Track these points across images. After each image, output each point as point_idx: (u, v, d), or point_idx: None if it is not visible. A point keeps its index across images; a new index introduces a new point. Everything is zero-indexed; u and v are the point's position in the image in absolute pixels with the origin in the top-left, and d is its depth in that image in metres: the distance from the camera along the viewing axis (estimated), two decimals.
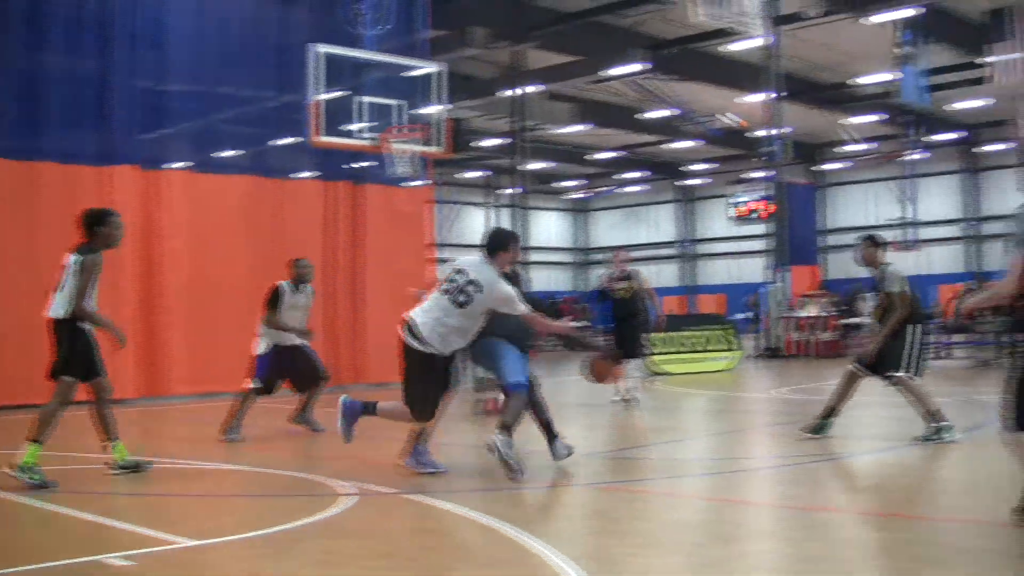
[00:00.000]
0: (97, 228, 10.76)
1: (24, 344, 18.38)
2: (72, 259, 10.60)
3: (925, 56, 34.58)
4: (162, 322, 20.72)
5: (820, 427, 12.78)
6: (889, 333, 12.46)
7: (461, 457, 12.86)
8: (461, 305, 10.14)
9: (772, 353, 32.51)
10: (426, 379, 10.41)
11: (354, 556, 7.23)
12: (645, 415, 16.86)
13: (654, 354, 25.32)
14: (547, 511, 8.84)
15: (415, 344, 10.27)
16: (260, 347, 14.55)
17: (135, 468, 10.88)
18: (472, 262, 10.43)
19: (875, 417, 15.68)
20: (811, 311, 34.67)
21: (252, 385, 14.50)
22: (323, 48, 19.62)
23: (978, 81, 37.99)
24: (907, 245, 47.41)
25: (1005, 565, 6.86)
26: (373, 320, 23.26)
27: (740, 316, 48.07)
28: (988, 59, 32.77)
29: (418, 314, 10.38)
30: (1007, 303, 7.79)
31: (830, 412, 12.84)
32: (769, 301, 33.72)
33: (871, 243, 13.12)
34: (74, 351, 10.54)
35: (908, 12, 31.73)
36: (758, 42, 32.03)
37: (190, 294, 20.92)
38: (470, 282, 10.17)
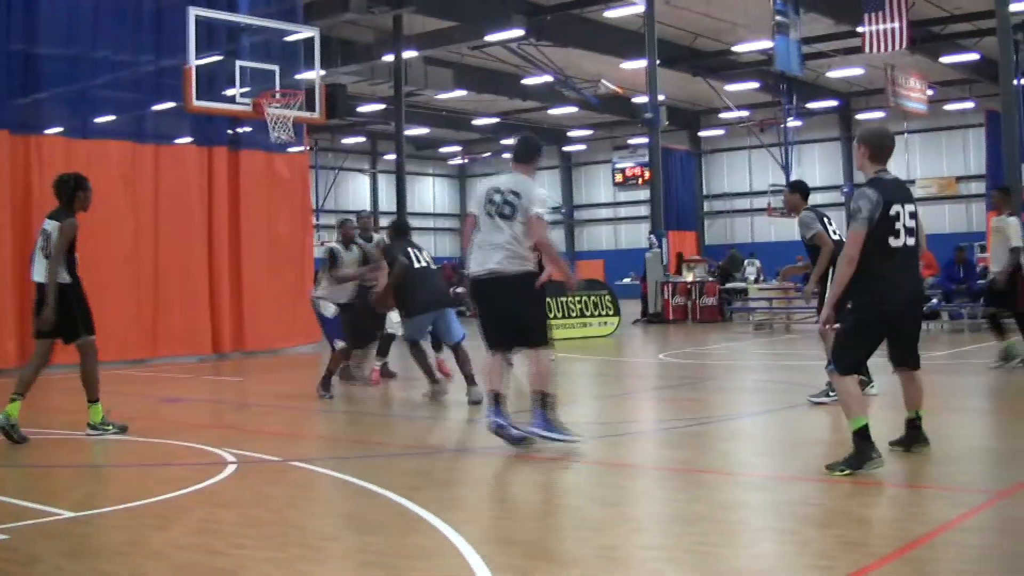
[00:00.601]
0: (76, 193, 11.42)
1: None
2: (51, 224, 11.20)
3: (802, 25, 34.98)
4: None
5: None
6: (818, 279, 12.57)
7: (343, 424, 12.85)
8: (506, 217, 9.86)
9: (652, 319, 32.83)
10: (538, 300, 10.29)
11: (237, 524, 7.20)
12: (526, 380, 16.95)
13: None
14: (430, 477, 8.84)
15: (508, 268, 9.83)
16: (329, 310, 15.07)
17: (120, 430, 11.32)
18: (503, 177, 10.23)
19: (764, 379, 15.94)
20: (690, 276, 35.08)
21: (340, 346, 14.94)
22: (198, 11, 19.35)
23: (855, 50, 38.52)
24: (785, 211, 47.96)
25: (886, 527, 7.02)
26: (251, 287, 23.14)
27: (621, 282, 48.54)
28: (861, 28, 33.25)
29: (486, 251, 9.96)
30: (851, 269, 8.40)
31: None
32: (647, 267, 33.99)
33: (790, 190, 13.26)
34: (82, 309, 11.26)
35: None
36: (637, 9, 32.20)
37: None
38: (512, 192, 9.92)
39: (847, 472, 8.09)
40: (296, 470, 9.21)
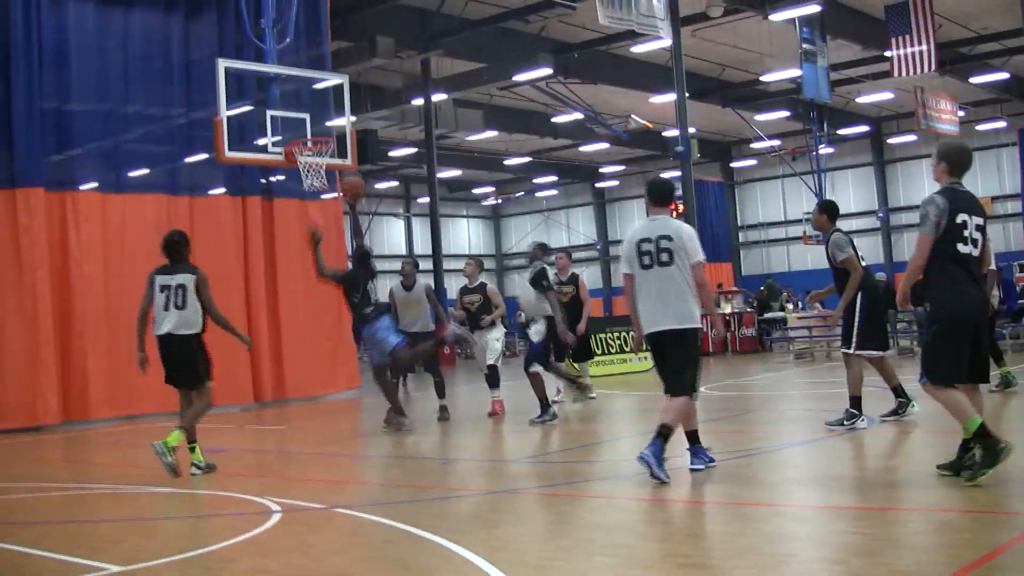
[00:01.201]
0: (188, 247, 12.56)
1: None
2: (182, 278, 12.16)
3: (829, 52, 34.96)
4: (78, 347, 20.51)
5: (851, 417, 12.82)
6: (846, 304, 12.57)
7: (386, 469, 12.83)
8: (666, 264, 9.75)
9: None
10: (696, 355, 10.22)
11: (284, 574, 7.18)
12: (571, 418, 16.91)
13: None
14: (475, 519, 8.81)
15: (683, 324, 9.85)
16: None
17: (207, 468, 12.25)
18: (646, 225, 10.06)
19: (806, 408, 15.84)
20: (728, 308, 34.95)
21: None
22: (227, 63, 19.46)
23: (884, 75, 38.45)
24: (820, 239, 47.78)
25: (935, 554, 6.94)
26: (290, 334, 23.21)
27: None
28: (889, 52, 33.20)
29: (656, 305, 9.90)
30: (918, 276, 8.86)
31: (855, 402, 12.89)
32: None
33: (819, 210, 13.26)
34: (205, 359, 12.20)
35: (809, 9, 32.04)
36: (664, 43, 32.21)
37: (107, 316, 20.71)
38: (663, 238, 9.80)
39: (987, 473, 8.22)
40: (341, 517, 9.19)
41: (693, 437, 10.22)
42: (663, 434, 9.58)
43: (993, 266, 15.51)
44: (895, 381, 13.13)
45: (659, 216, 10.08)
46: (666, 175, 56.86)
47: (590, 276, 68.62)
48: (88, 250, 20.77)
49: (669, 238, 9.75)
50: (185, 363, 12.12)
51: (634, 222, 65.53)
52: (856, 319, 12.60)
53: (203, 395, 12.25)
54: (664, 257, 9.73)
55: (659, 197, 10.28)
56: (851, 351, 12.73)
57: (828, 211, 13.15)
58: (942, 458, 8.96)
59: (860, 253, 12.83)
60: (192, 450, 12.31)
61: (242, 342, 12.68)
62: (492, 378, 16.91)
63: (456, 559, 7.19)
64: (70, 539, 8.87)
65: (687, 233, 9.82)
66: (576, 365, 19.22)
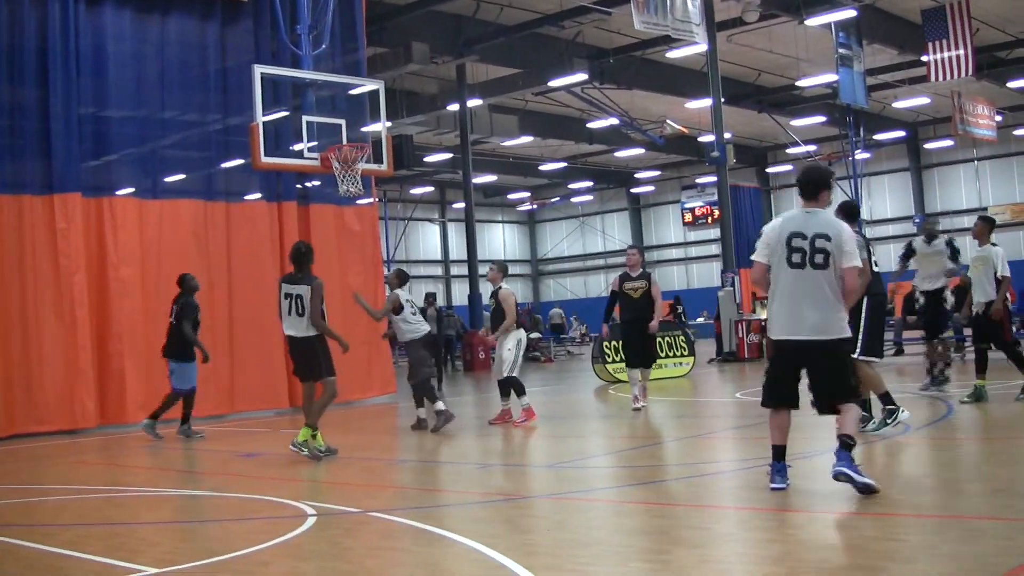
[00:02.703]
0: (312, 257, 14.10)
1: None
2: (302, 289, 13.63)
3: (866, 56, 34.85)
4: (115, 351, 20.60)
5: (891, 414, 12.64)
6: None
7: (419, 474, 12.85)
8: (820, 266, 8.88)
9: (727, 358, 32.59)
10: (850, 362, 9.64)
11: (318, 574, 7.20)
12: (605, 423, 16.89)
13: (609, 362, 25.36)
14: (509, 524, 8.81)
15: (831, 336, 9.00)
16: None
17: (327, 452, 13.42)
18: (802, 218, 9.12)
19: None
20: (763, 313, 34.81)
21: None
22: (263, 69, 19.55)
23: (920, 80, 38.31)
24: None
25: (974, 561, 6.90)
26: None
27: (695, 321, 48.26)
28: (926, 57, 33.06)
29: (797, 309, 9.02)
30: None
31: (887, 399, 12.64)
32: (721, 305, 33.79)
33: (837, 209, 13.07)
34: (326, 356, 13.58)
35: (845, 14, 31.96)
36: (700, 48, 32.18)
37: (144, 320, 20.80)
38: (821, 236, 8.91)
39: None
40: (375, 521, 9.19)
41: (845, 443, 9.07)
42: (847, 445, 8.95)
43: (1007, 272, 15.35)
44: (883, 388, 12.79)
45: (815, 210, 9.13)
46: (702, 180, 57.03)
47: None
48: (125, 255, 20.85)
49: (827, 237, 8.88)
50: (308, 360, 13.51)
51: (669, 228, 65.62)
52: (861, 324, 12.33)
53: (327, 388, 13.55)
54: (819, 259, 8.86)
55: (812, 188, 9.24)
56: (856, 356, 12.38)
57: (846, 211, 12.86)
58: (978, 465, 8.90)
59: (875, 257, 12.66)
60: (314, 437, 13.38)
61: (340, 346, 13.89)
62: (506, 387, 16.63)
63: (490, 563, 7.19)
64: (107, 542, 8.91)
65: (847, 234, 8.94)
66: (635, 370, 18.23)
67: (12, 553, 8.59)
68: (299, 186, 23.84)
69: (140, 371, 20.65)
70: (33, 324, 19.81)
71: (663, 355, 26.23)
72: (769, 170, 60.85)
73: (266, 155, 19.56)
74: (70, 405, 19.78)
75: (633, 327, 17.58)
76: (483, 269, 42.01)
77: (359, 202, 23.92)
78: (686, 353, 27.25)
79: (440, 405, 16.00)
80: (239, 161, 22.55)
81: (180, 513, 10.49)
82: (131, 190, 21.44)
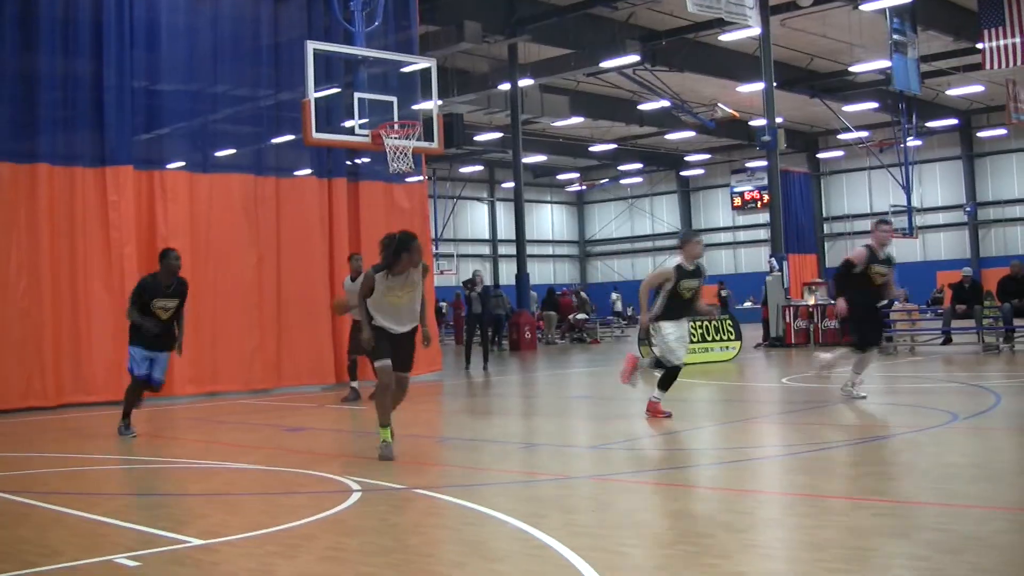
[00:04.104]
0: (400, 255, 11.54)
1: (21, 346, 18.71)
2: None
3: (919, 43, 34.56)
4: None
5: None
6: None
7: (466, 452, 12.84)
8: None
9: (774, 343, 32.46)
10: None
11: (363, 552, 7.20)
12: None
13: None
14: (555, 504, 8.80)
15: None
16: None
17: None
18: None
19: (888, 402, 15.68)
20: (812, 300, 34.65)
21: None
22: (314, 45, 19.57)
23: (975, 67, 37.95)
24: (907, 232, 47.30)
25: (1021, 553, 6.84)
26: None
27: (741, 306, 48.10)
28: (981, 45, 32.74)
29: None
30: None
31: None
32: (768, 290, 33.65)
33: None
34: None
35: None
36: (752, 32, 31.98)
37: (192, 295, 20.83)
38: None
39: None
40: (420, 498, 9.21)
41: None
42: None
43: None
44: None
45: None
46: (752, 164, 56.77)
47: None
48: (175, 228, 20.94)
49: None
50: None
51: (718, 211, 65.33)
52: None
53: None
54: None
55: None
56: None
57: None
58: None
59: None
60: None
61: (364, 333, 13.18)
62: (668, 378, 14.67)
63: (533, 543, 7.18)
64: (152, 512, 8.98)
65: None
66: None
67: (59, 521, 8.65)
68: (348, 163, 23.89)
69: (187, 345, 20.73)
70: (83, 295, 19.97)
71: (710, 339, 26.17)
72: (820, 156, 60.52)
73: (317, 131, 19.59)
74: (118, 377, 19.90)
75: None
76: (531, 249, 41.96)
77: (408, 180, 23.95)
78: (733, 337, 27.13)
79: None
80: (290, 137, 22.64)
81: (226, 486, 10.50)
82: (182, 164, 21.54)
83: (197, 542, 7.55)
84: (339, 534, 7.82)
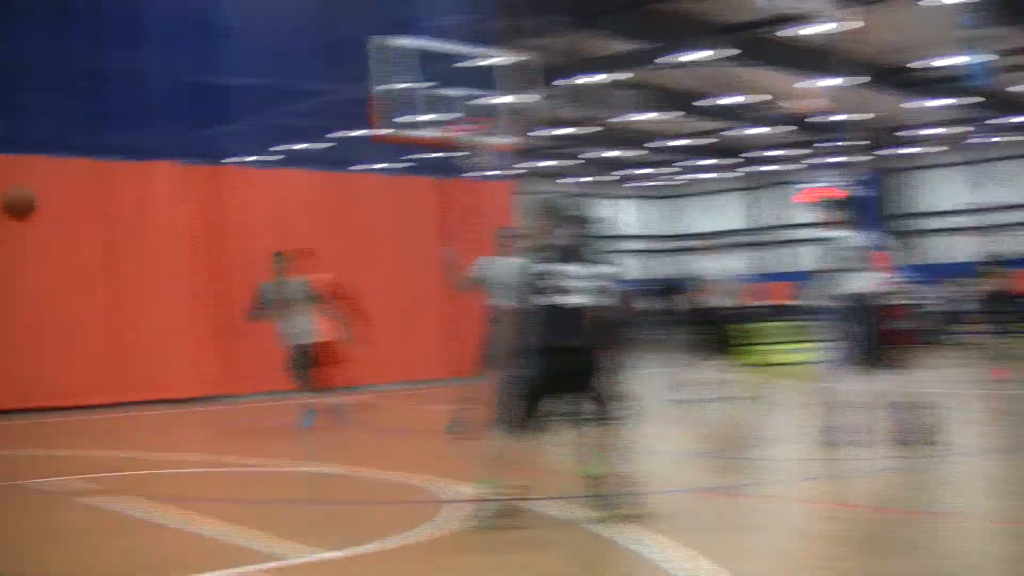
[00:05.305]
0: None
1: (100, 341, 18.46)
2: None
3: (996, 38, 33.92)
4: (229, 322, 20.49)
5: None
6: None
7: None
8: None
9: None
10: None
11: (474, 569, 6.89)
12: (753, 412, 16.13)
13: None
14: (693, 518, 8.19)
15: None
16: None
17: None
18: None
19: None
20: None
21: None
22: (387, 38, 19.27)
23: None
24: (983, 230, 46.54)
25: None
26: (467, 316, 22.85)
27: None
28: None
29: None
30: None
31: None
32: None
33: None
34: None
35: None
36: (828, 26, 31.59)
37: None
38: None
39: None
40: (547, 510, 8.62)
41: None
42: None
43: None
44: None
45: None
46: (827, 161, 55.93)
47: (738, 262, 68.09)
48: (241, 224, 20.75)
49: None
50: None
51: (792, 208, 64.43)
52: None
53: None
54: None
55: None
56: None
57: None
58: None
59: None
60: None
61: None
62: None
63: (642, 560, 6.78)
64: (259, 521, 8.58)
65: None
66: None
67: (163, 530, 8.45)
68: (420, 158, 23.48)
69: (256, 342, 20.51)
70: (151, 292, 19.88)
71: (791, 341, 25.38)
72: (898, 152, 59.47)
73: (388, 126, 19.26)
74: (186, 374, 19.78)
75: None
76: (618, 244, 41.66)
77: (487, 175, 23.52)
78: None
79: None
80: (360, 132, 22.32)
81: (321, 493, 10.20)
82: (248, 158, 21.36)
83: (325, 554, 7.23)
84: (448, 553, 7.34)
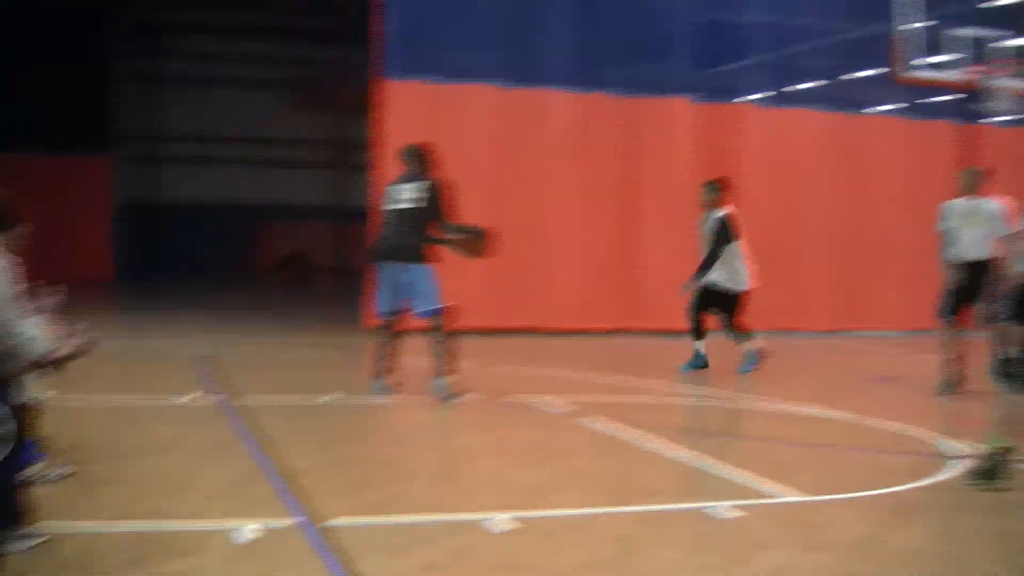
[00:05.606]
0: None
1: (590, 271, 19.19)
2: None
3: None
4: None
5: None
6: None
7: None
8: None
9: None
10: None
11: (979, 532, 6.59)
12: None
13: None
14: None
15: None
16: None
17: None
18: None
19: None
20: None
21: None
22: None
23: None
24: None
25: None
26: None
27: None
28: None
29: None
30: None
31: None
32: None
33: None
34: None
35: None
36: None
37: (761, 230, 20.69)
38: None
39: None
40: None
41: None
42: None
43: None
44: None
45: None
46: None
47: None
48: (745, 165, 20.72)
49: None
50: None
51: None
52: None
53: None
54: None
55: None
56: None
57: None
58: None
59: None
60: None
61: None
62: None
63: None
64: (748, 457, 8.66)
65: None
66: None
67: (654, 457, 8.65)
68: (934, 100, 22.62)
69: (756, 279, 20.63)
70: (637, 224, 20.27)
71: None
72: None
73: (909, 68, 18.66)
74: (669, 304, 19.97)
75: None
76: None
77: (1011, 121, 22.45)
78: None
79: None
80: (872, 72, 21.82)
81: (818, 435, 10.04)
82: (755, 97, 21.27)
83: (797, 498, 7.17)
84: (947, 508, 7.17)
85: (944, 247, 12.42)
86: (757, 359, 13.99)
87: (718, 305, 14.15)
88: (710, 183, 14.62)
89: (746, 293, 14.13)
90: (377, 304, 11.39)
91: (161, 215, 46.64)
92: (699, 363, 14.00)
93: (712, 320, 14.28)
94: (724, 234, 13.96)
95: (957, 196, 12.57)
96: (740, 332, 14.17)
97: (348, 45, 45.08)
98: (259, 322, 21.46)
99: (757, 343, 14.11)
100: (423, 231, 10.94)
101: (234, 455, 7.99)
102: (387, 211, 11.19)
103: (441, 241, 11.01)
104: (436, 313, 10.90)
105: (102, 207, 35.90)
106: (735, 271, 14.04)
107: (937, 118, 22.16)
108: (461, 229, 11.03)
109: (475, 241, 11.09)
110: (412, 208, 10.93)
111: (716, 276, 13.98)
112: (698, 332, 14.17)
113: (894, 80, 19.45)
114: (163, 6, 42.91)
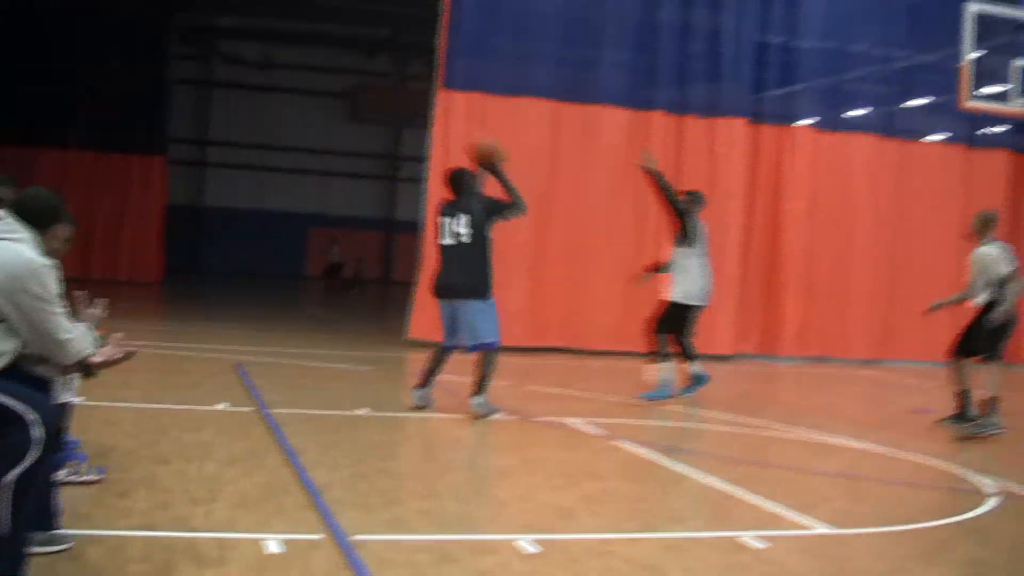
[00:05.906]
0: None
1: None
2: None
3: None
4: (777, 282, 20.56)
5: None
6: None
7: None
8: None
9: None
10: None
11: (1005, 570, 6.59)
12: None
13: None
14: None
15: None
16: None
17: None
18: None
19: None
20: None
21: None
22: (976, 5, 18.45)
23: None
24: None
25: None
26: None
27: None
28: None
29: None
30: None
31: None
32: None
33: None
34: None
35: None
36: None
37: (807, 255, 20.64)
38: None
39: None
40: None
41: None
42: None
43: None
44: None
45: None
46: None
47: None
48: (787, 185, 20.69)
49: None
50: None
51: None
52: None
53: None
54: None
55: None
56: None
57: None
58: None
59: None
60: None
61: None
62: None
63: None
64: (774, 486, 8.62)
65: None
66: None
67: (681, 482, 8.66)
68: (994, 130, 22.41)
69: (799, 304, 20.50)
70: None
71: None
72: None
73: (972, 97, 18.52)
74: (729, 330, 19.89)
75: None
76: None
77: None
78: None
79: None
80: (925, 100, 21.78)
81: (848, 466, 10.04)
82: (807, 120, 21.29)
83: (825, 530, 7.13)
84: (978, 545, 7.14)
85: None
86: (704, 380, 13.65)
87: (673, 319, 13.53)
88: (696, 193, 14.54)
89: (699, 309, 13.69)
90: (443, 333, 11.48)
91: (210, 218, 47.07)
92: (701, 383, 13.76)
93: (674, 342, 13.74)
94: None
95: (976, 238, 12.43)
96: (690, 351, 13.68)
97: (402, 56, 45.51)
98: (300, 331, 21.51)
99: (697, 365, 13.73)
100: (478, 265, 11.01)
101: (263, 465, 8.02)
102: (443, 245, 11.23)
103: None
104: (487, 348, 10.96)
105: (156, 207, 36.07)
106: (694, 283, 13.52)
107: (992, 147, 22.05)
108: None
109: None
110: (466, 244, 10.99)
111: (678, 290, 13.45)
112: (689, 355, 13.62)
113: (957, 107, 19.29)
114: (221, 11, 43.36)
